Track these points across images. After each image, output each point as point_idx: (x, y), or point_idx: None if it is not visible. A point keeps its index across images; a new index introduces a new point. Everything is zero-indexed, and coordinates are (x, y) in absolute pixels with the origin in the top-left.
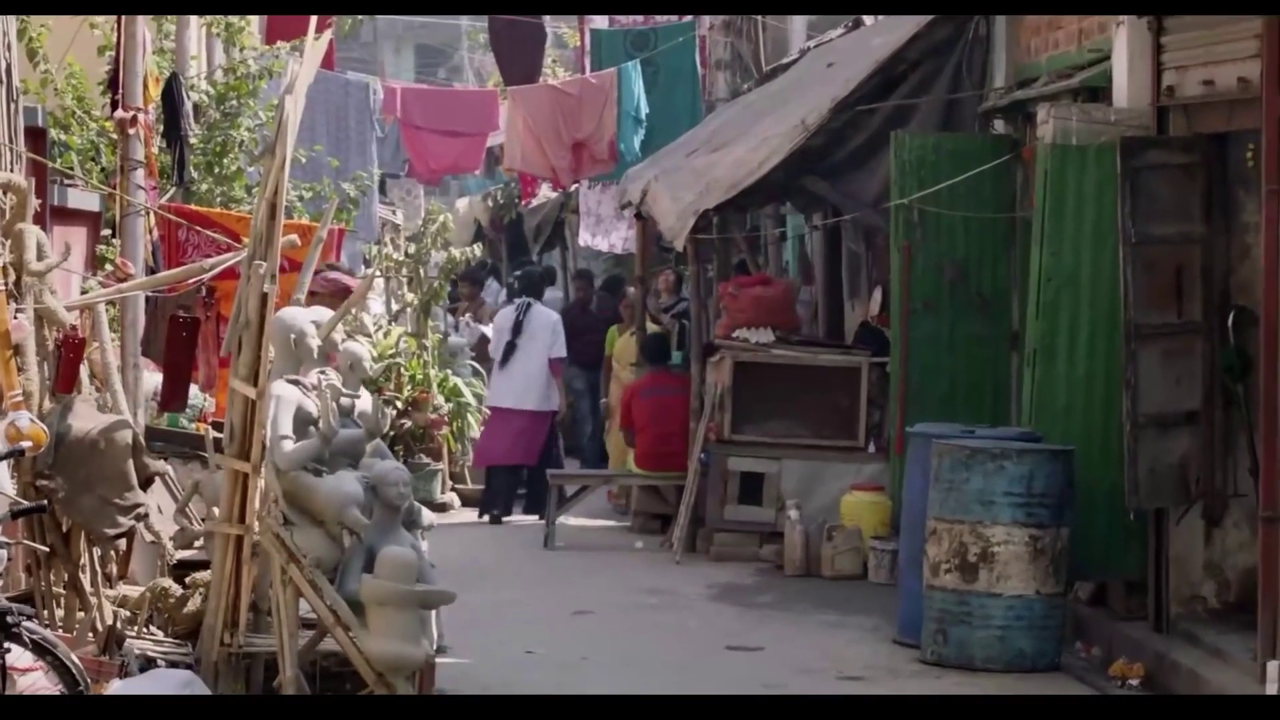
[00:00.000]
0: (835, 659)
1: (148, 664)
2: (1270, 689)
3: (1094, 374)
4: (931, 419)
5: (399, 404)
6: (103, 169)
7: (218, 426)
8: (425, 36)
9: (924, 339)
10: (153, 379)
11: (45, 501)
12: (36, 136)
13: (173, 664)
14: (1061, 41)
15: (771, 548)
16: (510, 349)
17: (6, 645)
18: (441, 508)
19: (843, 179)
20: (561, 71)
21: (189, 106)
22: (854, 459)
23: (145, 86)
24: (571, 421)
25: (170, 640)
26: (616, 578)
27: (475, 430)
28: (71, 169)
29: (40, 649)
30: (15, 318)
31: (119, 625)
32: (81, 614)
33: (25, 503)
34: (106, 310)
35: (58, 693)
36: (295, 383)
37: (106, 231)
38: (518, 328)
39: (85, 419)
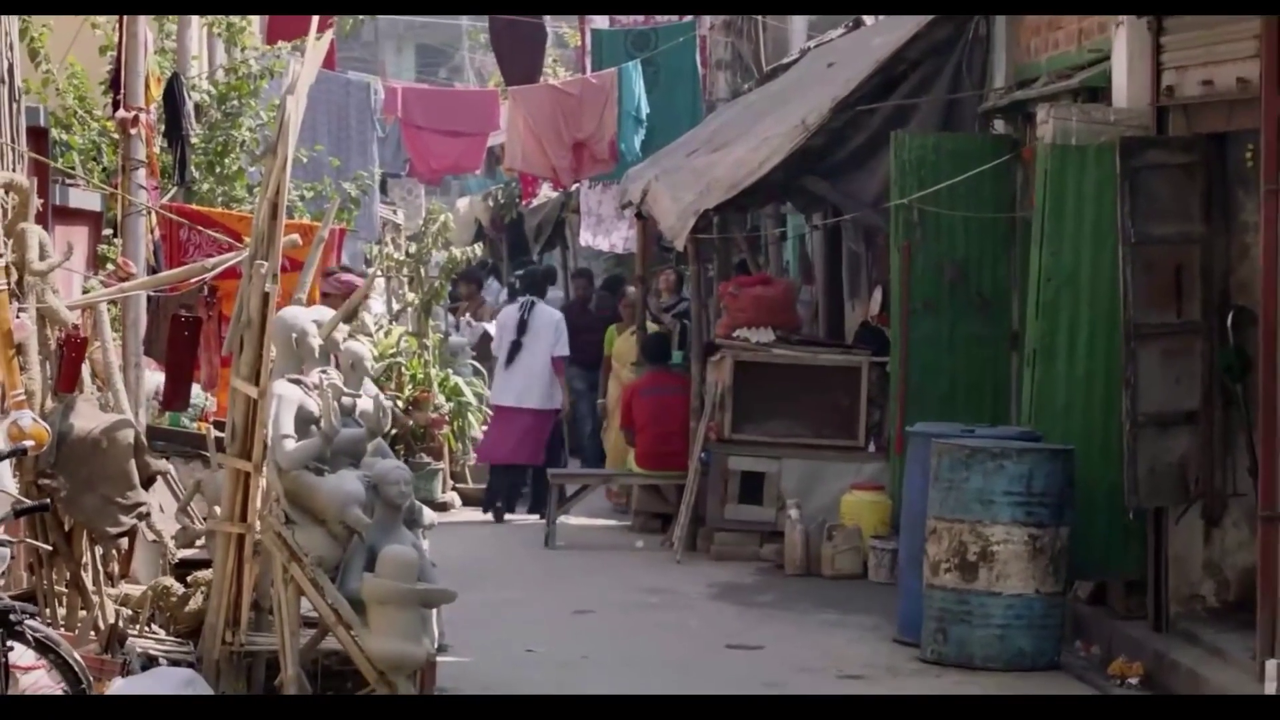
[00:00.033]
0: (835, 658)
1: (149, 662)
2: (1269, 688)
3: (1094, 374)
4: (931, 418)
5: (399, 403)
6: (104, 169)
7: (219, 426)
8: (426, 36)
9: (924, 339)
10: (154, 378)
11: (47, 500)
12: (38, 136)
13: (174, 663)
14: (1061, 41)
15: (772, 547)
16: (515, 348)
17: (9, 644)
18: (442, 507)
19: (843, 179)
20: (562, 71)
21: (190, 106)
22: (854, 458)
23: (147, 86)
24: (572, 421)
25: (172, 639)
26: (617, 577)
27: (476, 429)
28: (73, 169)
29: (43, 647)
30: (18, 317)
31: (121, 624)
32: (83, 613)
33: (27, 501)
34: (108, 310)
35: (60, 691)
36: (297, 382)
37: (108, 231)
38: (522, 326)
39: (87, 418)
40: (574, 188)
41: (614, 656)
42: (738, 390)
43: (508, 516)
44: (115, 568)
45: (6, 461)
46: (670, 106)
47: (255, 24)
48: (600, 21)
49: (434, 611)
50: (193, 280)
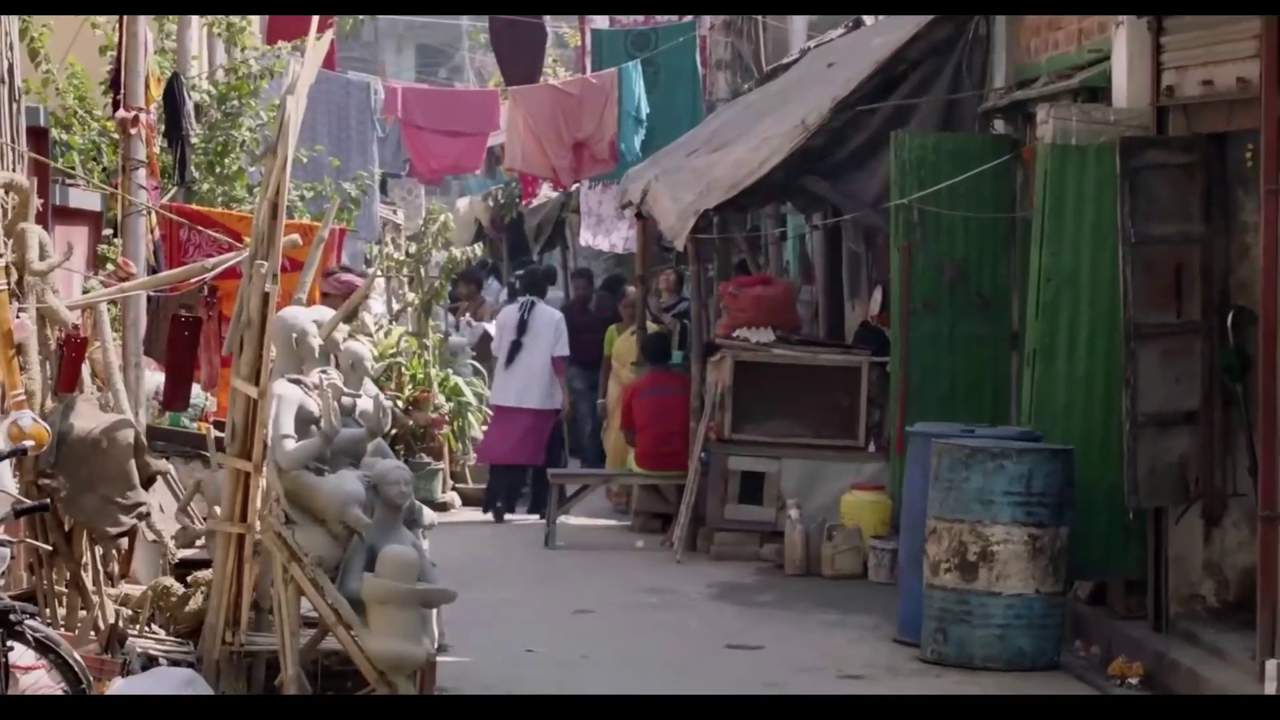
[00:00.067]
0: (835, 658)
1: (149, 662)
2: (1269, 688)
3: (1093, 373)
4: (931, 418)
5: (399, 403)
6: (104, 169)
7: (219, 426)
8: (426, 36)
9: (924, 339)
10: (154, 378)
11: (47, 500)
12: (38, 136)
13: (174, 662)
14: (1061, 42)
15: (772, 547)
16: (516, 348)
17: (9, 644)
18: (442, 507)
19: (843, 179)
20: (562, 71)
21: (190, 106)
22: (854, 458)
23: (147, 86)
24: (572, 421)
25: (172, 639)
26: (617, 577)
27: (476, 429)
28: (73, 169)
29: (43, 647)
30: (18, 317)
31: (121, 624)
32: (83, 612)
33: (28, 501)
34: (108, 310)
35: (60, 691)
36: (297, 382)
37: (108, 231)
38: (522, 326)
39: (87, 418)
40: (574, 188)
41: (614, 656)
42: (738, 390)
43: (508, 516)
44: (115, 568)
45: (6, 461)
46: (670, 106)
47: (255, 24)
48: (600, 21)
49: (434, 611)
50: (193, 280)
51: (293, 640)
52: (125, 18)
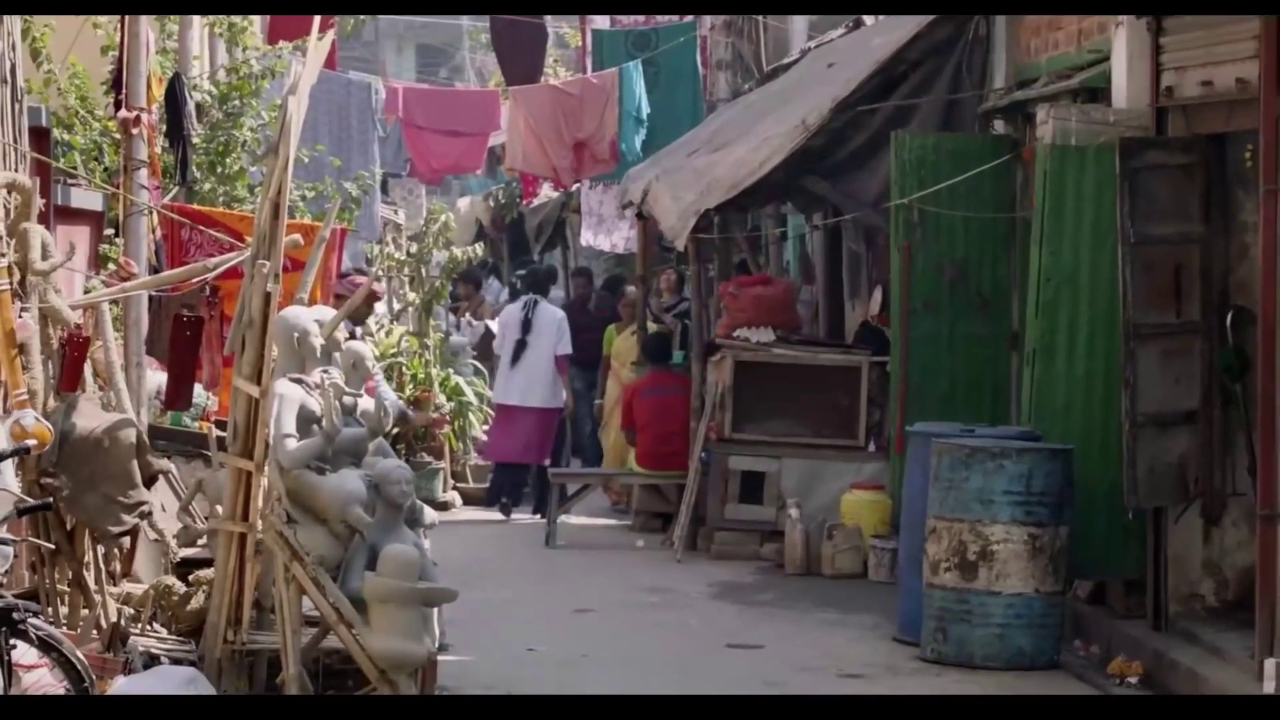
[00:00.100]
0: (835, 657)
1: (151, 661)
2: (1268, 687)
3: (1093, 373)
4: (931, 418)
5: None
6: (106, 168)
7: (221, 425)
8: (427, 36)
9: (924, 338)
10: (156, 378)
11: (50, 499)
12: (40, 136)
13: (176, 661)
14: (1061, 42)
15: (772, 546)
16: (520, 346)
17: (12, 642)
18: (443, 506)
19: (843, 179)
20: (563, 71)
21: (192, 106)
22: (854, 458)
23: (148, 86)
24: (572, 420)
25: (174, 638)
26: (617, 576)
27: (477, 429)
28: (75, 168)
29: (46, 646)
30: (20, 316)
31: (123, 622)
32: (85, 611)
33: (30, 500)
34: (110, 309)
35: (63, 690)
36: (298, 381)
37: (110, 231)
38: (526, 325)
39: (89, 417)
40: (574, 188)
41: (614, 655)
42: (738, 390)
43: (514, 509)
44: (117, 566)
45: (9, 460)
46: (671, 106)
47: (256, 24)
48: (601, 22)
49: (435, 610)
50: (194, 280)
51: (294, 639)
52: (127, 18)
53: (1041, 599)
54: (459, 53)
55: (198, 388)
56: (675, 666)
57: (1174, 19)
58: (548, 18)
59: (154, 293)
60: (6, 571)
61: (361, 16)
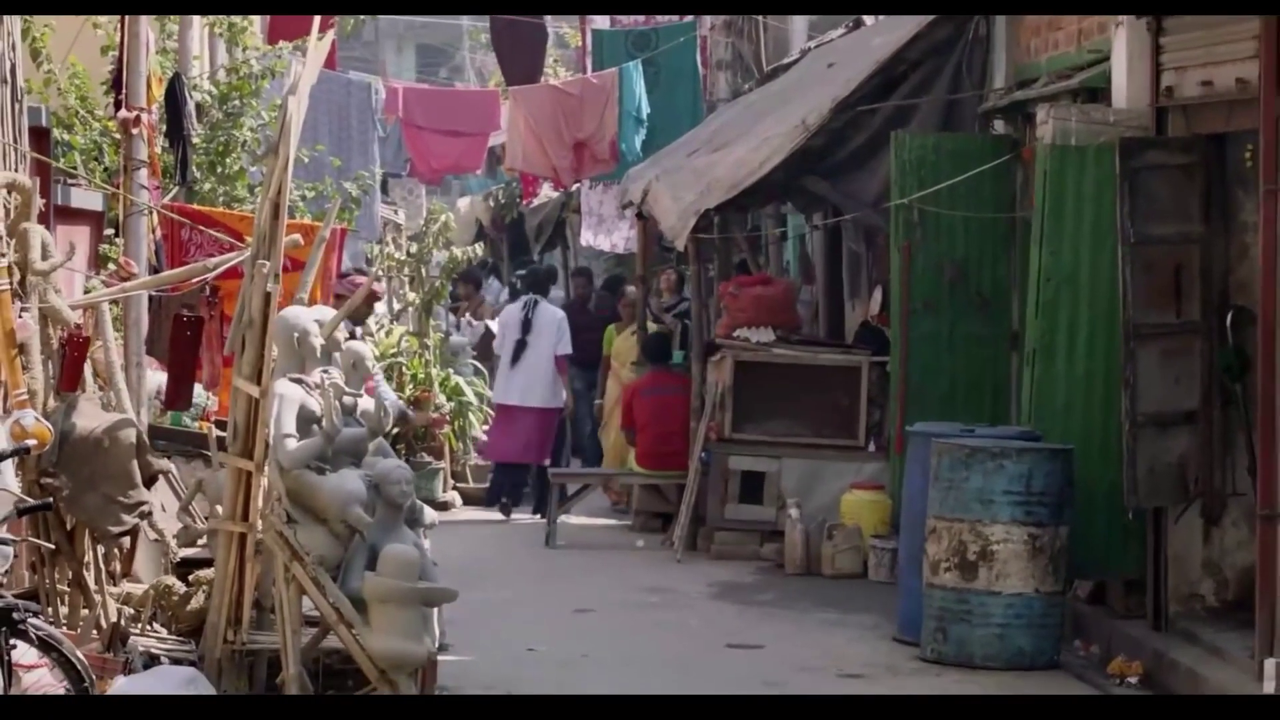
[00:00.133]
0: (835, 657)
1: (151, 661)
2: (1268, 687)
3: (1093, 373)
4: (931, 418)
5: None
6: (106, 168)
7: (221, 425)
8: (427, 36)
9: (924, 338)
10: (156, 378)
11: (50, 499)
12: (40, 136)
13: (176, 661)
14: (1061, 42)
15: (772, 546)
16: (521, 346)
17: (12, 642)
18: (443, 506)
19: (843, 179)
20: (563, 71)
21: (192, 106)
22: (854, 458)
23: (148, 86)
24: (572, 420)
25: (174, 637)
26: (617, 576)
27: (477, 429)
28: (75, 169)
29: (46, 646)
30: (20, 316)
31: (123, 622)
32: (85, 611)
33: (30, 500)
34: (110, 309)
35: (63, 690)
36: (298, 381)
37: (110, 231)
38: (526, 325)
39: (89, 417)
40: (574, 188)
41: (614, 655)
42: (738, 390)
43: (506, 519)
44: (117, 566)
45: (9, 460)
46: (671, 106)
47: (256, 24)
48: (601, 22)
49: (435, 610)
50: (194, 280)
51: (294, 639)
52: (127, 18)
53: (1041, 599)
54: (459, 53)
55: (198, 388)
56: (675, 666)
57: (1174, 19)
58: (548, 18)
59: (154, 293)
60: (6, 571)
61: (361, 16)
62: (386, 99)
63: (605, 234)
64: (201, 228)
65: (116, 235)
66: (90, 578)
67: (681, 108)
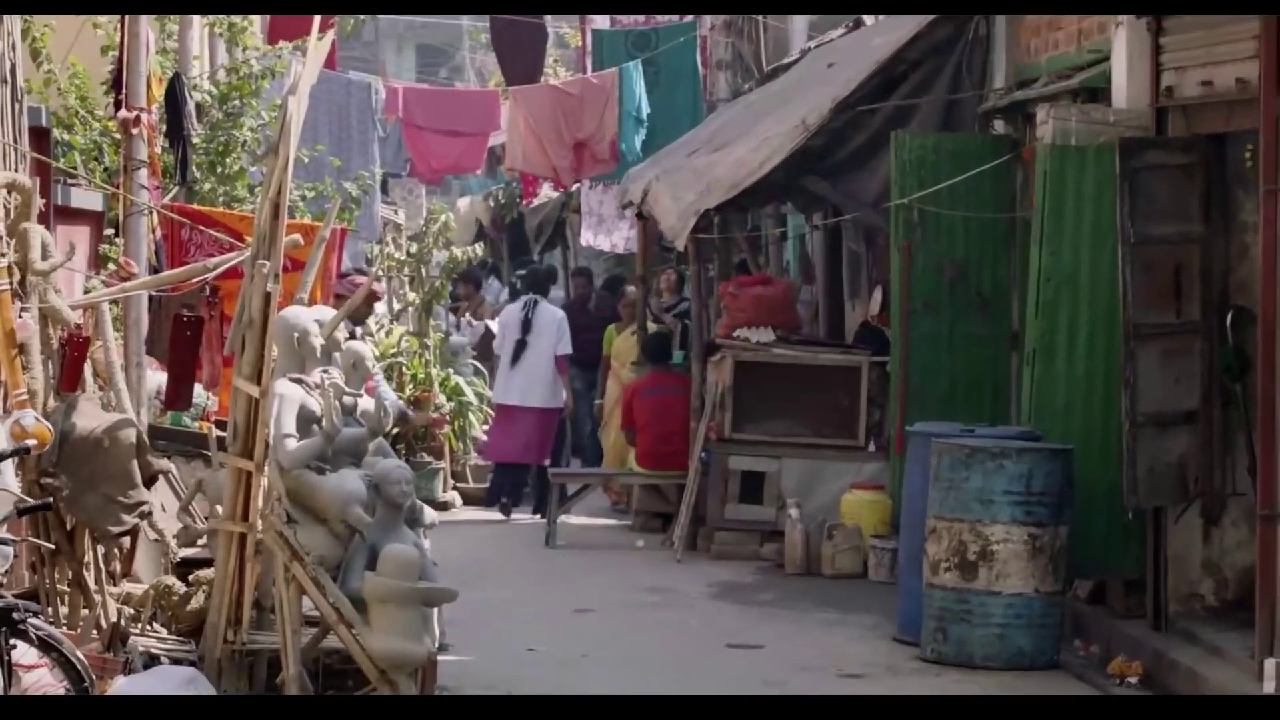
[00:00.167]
0: (835, 657)
1: (151, 661)
2: (1268, 686)
3: (1093, 373)
4: (931, 418)
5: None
6: (106, 168)
7: (221, 425)
8: (427, 36)
9: (924, 338)
10: (156, 378)
11: (50, 499)
12: (40, 136)
13: (176, 661)
14: (1061, 42)
15: (772, 546)
16: (521, 346)
17: (12, 642)
18: (443, 506)
19: (843, 179)
20: (563, 71)
21: (192, 106)
22: (854, 458)
23: (148, 86)
24: (572, 420)
25: (174, 637)
26: (617, 576)
27: (477, 429)
28: (75, 168)
29: (46, 645)
30: (20, 316)
31: (123, 622)
32: (85, 611)
33: (30, 500)
34: (110, 309)
35: (63, 689)
36: (298, 381)
37: (110, 231)
38: (526, 325)
39: (89, 417)
40: (575, 188)
41: (614, 655)
42: (738, 390)
43: (506, 519)
44: (117, 566)
45: (9, 460)
46: (671, 106)
47: (256, 24)
48: (601, 22)
49: (435, 610)
50: (194, 280)
51: (294, 639)
52: (127, 18)
53: (1041, 599)
54: (459, 53)
55: (198, 388)
56: (675, 666)
57: (1174, 19)
58: (548, 18)
59: (154, 293)
60: (6, 571)
61: (361, 16)
62: (386, 99)
63: (605, 234)
64: (201, 228)
65: (116, 235)
66: (90, 578)
67: (681, 108)
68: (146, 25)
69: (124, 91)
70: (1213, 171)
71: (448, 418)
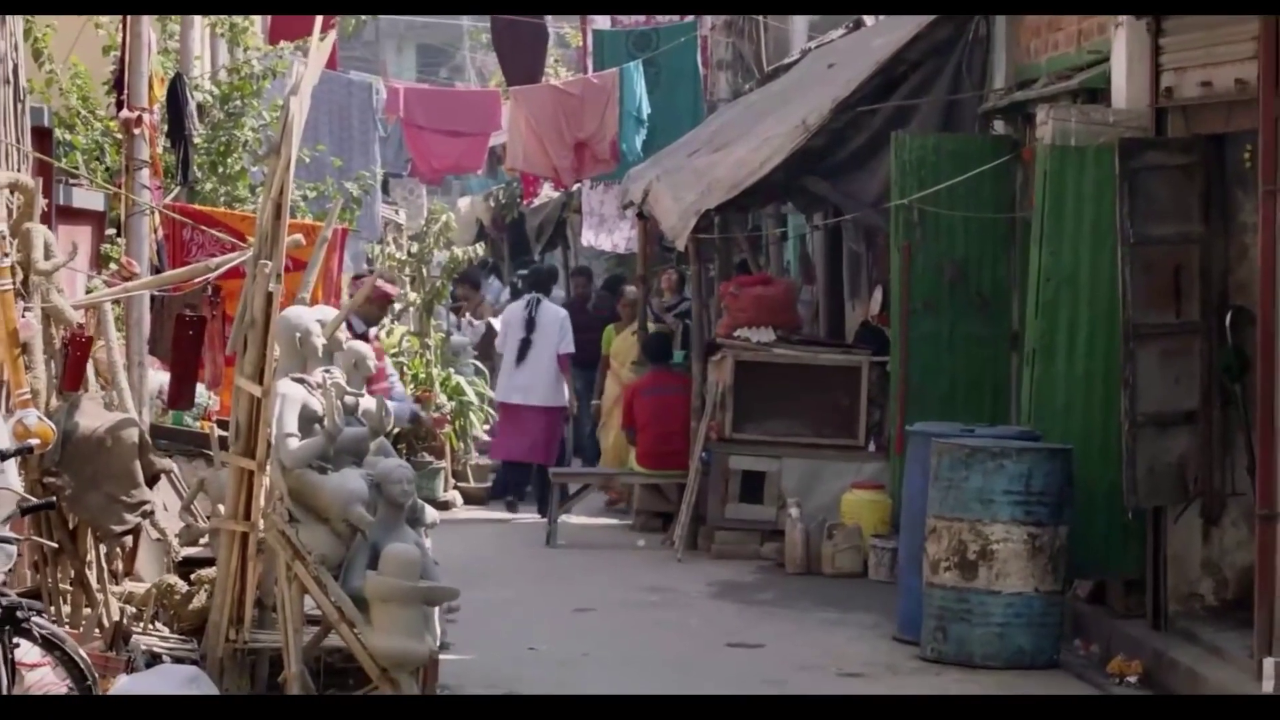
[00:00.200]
0: (835, 656)
1: (154, 660)
2: (1267, 686)
3: (1093, 373)
4: (931, 418)
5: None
6: (107, 168)
7: (223, 424)
8: (427, 36)
9: (924, 338)
10: (158, 377)
11: (53, 498)
12: (42, 136)
13: (178, 660)
14: (1061, 43)
15: (772, 546)
16: (526, 345)
17: (15, 640)
18: (444, 505)
19: (843, 179)
20: (564, 71)
21: (193, 106)
22: (854, 458)
23: (150, 86)
24: (573, 420)
25: (176, 636)
26: (618, 575)
27: (478, 428)
28: (77, 169)
29: (49, 644)
30: (23, 316)
31: (125, 621)
32: (88, 610)
33: (33, 499)
34: (112, 309)
35: (65, 688)
36: (300, 381)
37: (111, 231)
38: (530, 324)
39: (92, 417)
40: (575, 188)
41: (615, 654)
42: (738, 390)
43: (512, 516)
44: (119, 565)
45: (12, 460)
46: (671, 106)
47: (258, 24)
48: (602, 22)
49: (435, 609)
50: (196, 280)
51: (296, 638)
52: (128, 18)
53: (1041, 598)
54: (459, 53)
55: (200, 387)
56: (675, 665)
57: (1173, 20)
58: (549, 18)
59: (156, 292)
60: (9, 570)
61: (362, 16)
62: (387, 99)
63: (606, 234)
64: (203, 228)
65: (118, 235)
66: (93, 576)
67: (682, 108)
68: (148, 25)
69: (126, 92)
70: (1212, 172)
71: (449, 417)
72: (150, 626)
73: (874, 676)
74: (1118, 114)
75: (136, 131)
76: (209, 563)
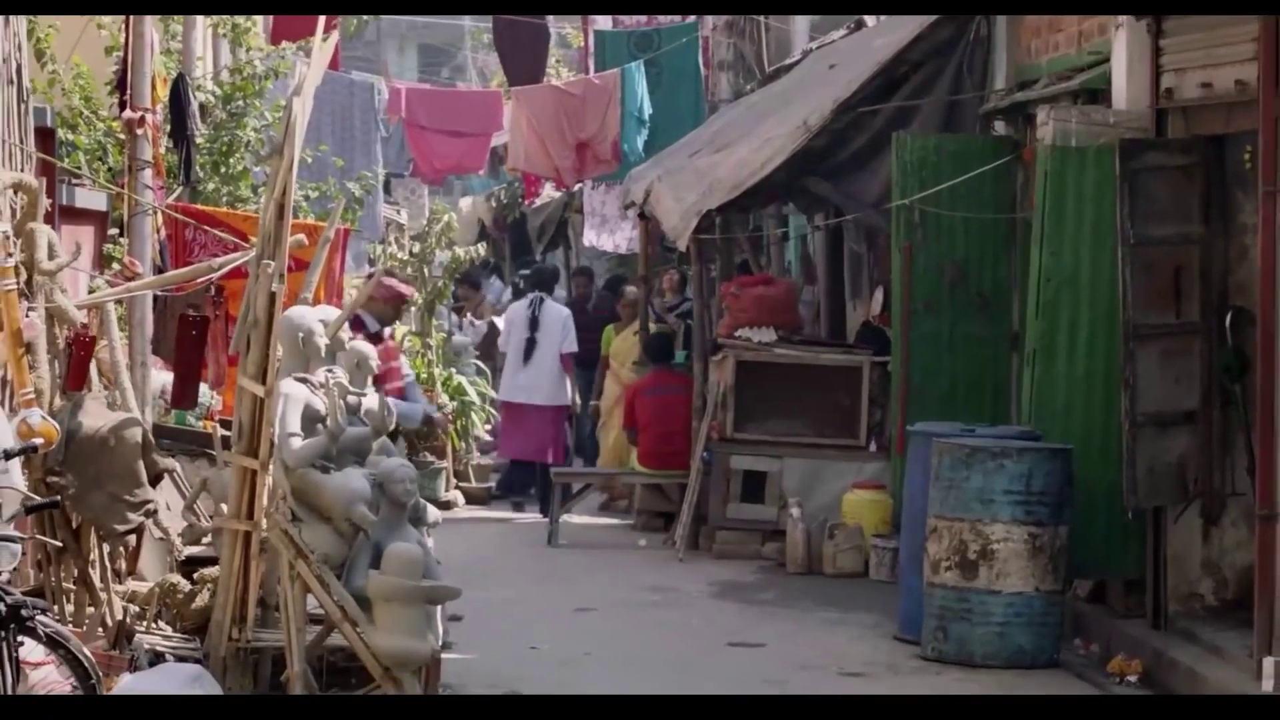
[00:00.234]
0: (836, 655)
1: (157, 659)
2: (1267, 686)
3: (1093, 373)
4: (932, 418)
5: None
6: (110, 169)
7: (226, 424)
8: (429, 36)
9: (925, 339)
10: (161, 377)
11: (56, 498)
12: (45, 136)
13: (181, 659)
14: (1061, 43)
15: (773, 545)
16: (531, 344)
17: (20, 639)
18: (446, 505)
19: (844, 179)
20: (565, 72)
21: (195, 106)
22: (855, 457)
23: (152, 87)
24: (574, 420)
25: (179, 635)
26: (619, 575)
27: (480, 428)
28: (79, 169)
29: (53, 643)
30: (27, 316)
31: (128, 620)
32: (91, 609)
33: (37, 498)
34: (115, 309)
35: (69, 686)
36: (303, 381)
37: (114, 231)
38: (534, 323)
39: (95, 416)
40: (577, 188)
41: (616, 654)
42: (740, 390)
43: (517, 515)
44: (123, 565)
45: (16, 459)
46: (673, 107)
47: (260, 25)
48: (603, 22)
49: (438, 609)
50: (199, 280)
51: (299, 637)
52: (131, 18)
53: (1041, 598)
54: (461, 53)
55: (203, 387)
56: (676, 665)
57: (1174, 20)
58: (550, 18)
59: (159, 292)
60: (13, 569)
61: (364, 17)
62: (389, 99)
63: (608, 234)
64: (205, 228)
65: (121, 235)
66: (96, 575)
67: (683, 108)
68: (151, 26)
69: (128, 92)
70: (1212, 173)
71: (450, 417)
72: (153, 625)
73: (875, 676)
74: (1118, 115)
75: (139, 132)
76: (212, 562)
